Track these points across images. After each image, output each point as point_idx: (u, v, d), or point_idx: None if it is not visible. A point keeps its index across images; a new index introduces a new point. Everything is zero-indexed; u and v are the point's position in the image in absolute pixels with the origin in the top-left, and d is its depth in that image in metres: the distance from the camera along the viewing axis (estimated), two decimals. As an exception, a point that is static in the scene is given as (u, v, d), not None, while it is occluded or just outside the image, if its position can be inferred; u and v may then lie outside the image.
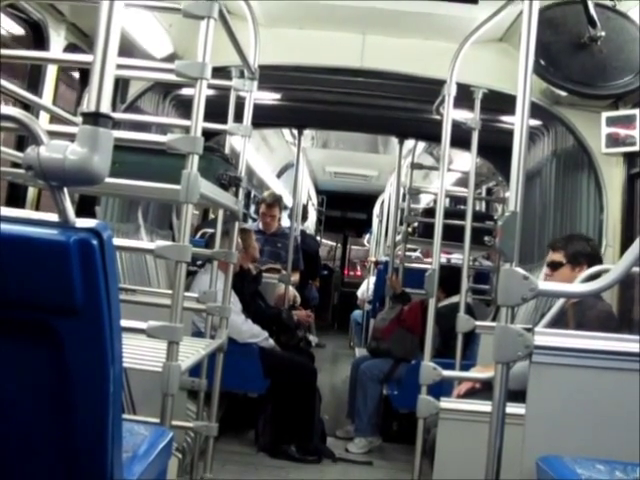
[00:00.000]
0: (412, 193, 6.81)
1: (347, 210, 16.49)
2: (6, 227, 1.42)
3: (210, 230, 5.15)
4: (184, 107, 5.27)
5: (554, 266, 3.84)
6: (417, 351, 5.19)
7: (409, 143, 7.07)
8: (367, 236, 15.23)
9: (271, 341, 5.24)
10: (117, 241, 2.13)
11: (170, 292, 2.75)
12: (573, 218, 4.82)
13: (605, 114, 4.27)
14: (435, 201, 5.76)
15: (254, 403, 5.30)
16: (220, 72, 3.51)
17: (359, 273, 16.51)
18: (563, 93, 4.32)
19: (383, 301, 6.67)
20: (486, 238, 6.28)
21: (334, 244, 17.58)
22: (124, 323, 1.63)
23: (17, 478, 1.54)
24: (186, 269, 2.72)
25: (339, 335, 12.24)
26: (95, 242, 1.43)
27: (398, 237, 6.91)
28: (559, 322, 3.40)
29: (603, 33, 3.97)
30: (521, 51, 2.32)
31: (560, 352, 2.28)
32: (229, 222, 3.77)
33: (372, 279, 9.14)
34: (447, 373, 3.46)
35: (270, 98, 5.61)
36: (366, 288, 9.83)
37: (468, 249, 4.08)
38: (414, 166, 6.65)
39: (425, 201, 10.86)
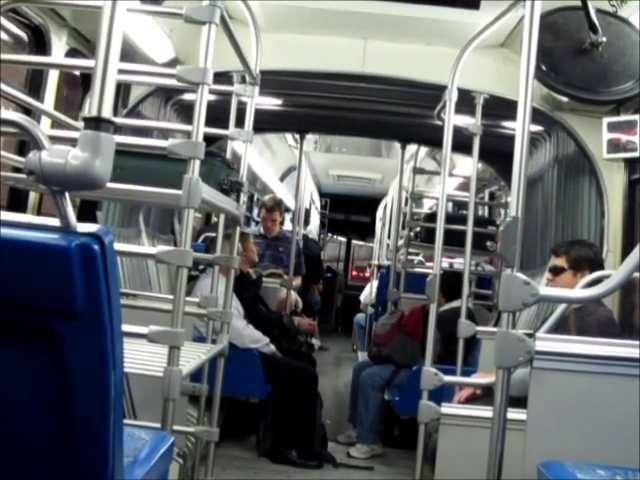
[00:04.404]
0: (414, 198, 6.81)
1: (351, 213, 16.47)
2: (8, 232, 1.42)
3: (212, 234, 5.15)
4: (185, 112, 5.28)
5: (556, 271, 3.84)
6: (418, 356, 5.18)
7: (411, 148, 7.07)
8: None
9: (272, 347, 5.23)
10: (118, 246, 2.13)
11: (171, 297, 2.75)
12: (574, 223, 4.82)
13: (606, 120, 4.26)
14: (437, 205, 5.77)
15: (255, 408, 5.30)
16: (222, 77, 3.52)
17: (367, 274, 15.94)
18: (564, 99, 4.32)
19: (385, 305, 6.67)
20: (488, 243, 6.27)
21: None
22: (125, 328, 1.63)
23: (17, 483, 1.54)
24: (187, 274, 2.73)
25: (342, 338, 12.24)
26: (96, 247, 1.43)
27: (400, 241, 6.91)
28: (560, 328, 3.40)
29: (604, 39, 3.97)
30: (522, 56, 2.32)
31: (561, 358, 2.27)
32: (230, 227, 3.77)
33: (375, 283, 9.13)
34: (448, 378, 3.45)
35: (272, 103, 5.61)
36: (369, 292, 9.82)
37: (469, 254, 4.07)
38: (416, 171, 6.65)
39: (428, 205, 10.86)
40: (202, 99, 2.63)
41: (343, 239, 17.81)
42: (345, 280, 15.80)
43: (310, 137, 8.38)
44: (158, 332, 2.60)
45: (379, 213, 12.23)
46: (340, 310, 14.12)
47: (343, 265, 17.34)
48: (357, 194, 14.40)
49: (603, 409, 2.27)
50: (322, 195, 14.80)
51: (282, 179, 12.11)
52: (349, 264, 17.62)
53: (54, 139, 1.67)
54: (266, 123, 5.97)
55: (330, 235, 17.04)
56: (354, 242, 17.89)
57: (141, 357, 2.88)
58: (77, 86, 4.31)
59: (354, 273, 17.34)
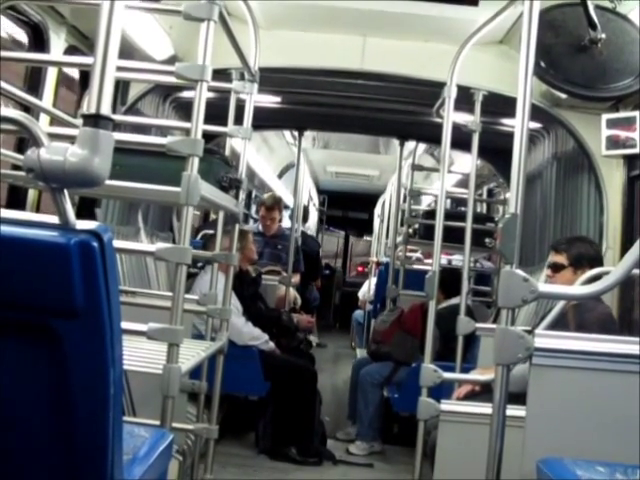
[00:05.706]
0: (413, 194, 6.81)
1: (349, 210, 16.46)
2: (7, 229, 1.42)
3: (210, 231, 5.14)
4: (184, 109, 5.27)
5: (556, 268, 3.82)
6: (417, 354, 5.18)
7: (410, 144, 7.06)
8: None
9: (271, 344, 5.23)
10: (117, 243, 2.13)
11: (170, 294, 2.75)
12: (573, 220, 4.82)
13: (605, 116, 4.26)
14: (436, 202, 5.77)
15: (254, 406, 5.30)
16: (220, 74, 3.51)
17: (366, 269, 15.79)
18: (563, 95, 4.32)
19: (384, 302, 6.67)
20: (487, 240, 6.27)
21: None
22: (124, 325, 1.63)
23: (18, 480, 1.54)
24: (186, 271, 2.72)
25: (340, 335, 12.24)
26: (95, 244, 1.43)
27: (399, 238, 6.90)
28: (559, 324, 3.39)
29: (603, 35, 3.97)
30: (521, 53, 2.32)
31: (560, 354, 2.28)
32: (229, 224, 3.77)
33: (373, 280, 9.13)
34: (447, 375, 3.45)
35: (270, 101, 5.61)
36: (367, 289, 9.81)
37: (469, 251, 4.08)
38: (415, 167, 6.64)
39: (426, 202, 10.86)
40: (201, 96, 2.63)
41: (341, 232, 17.79)
42: (343, 277, 15.78)
43: (308, 134, 8.36)
44: (157, 329, 2.60)
45: (377, 210, 12.22)
46: (338, 307, 14.12)
47: (341, 261, 17.32)
48: (355, 191, 14.40)
49: (602, 406, 2.27)
50: (320, 192, 14.79)
51: (280, 176, 12.10)
52: (347, 261, 17.61)
53: (53, 136, 1.67)
54: (265, 120, 5.96)
55: (327, 227, 16.97)
56: (352, 238, 17.87)
57: (140, 354, 2.88)
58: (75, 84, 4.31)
59: (359, 269, 17.25)
